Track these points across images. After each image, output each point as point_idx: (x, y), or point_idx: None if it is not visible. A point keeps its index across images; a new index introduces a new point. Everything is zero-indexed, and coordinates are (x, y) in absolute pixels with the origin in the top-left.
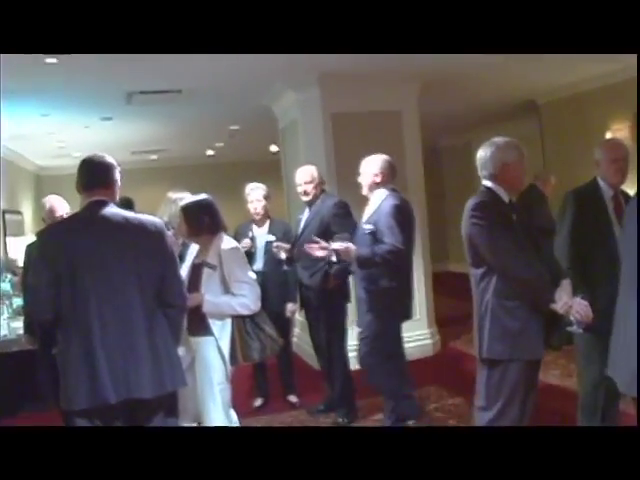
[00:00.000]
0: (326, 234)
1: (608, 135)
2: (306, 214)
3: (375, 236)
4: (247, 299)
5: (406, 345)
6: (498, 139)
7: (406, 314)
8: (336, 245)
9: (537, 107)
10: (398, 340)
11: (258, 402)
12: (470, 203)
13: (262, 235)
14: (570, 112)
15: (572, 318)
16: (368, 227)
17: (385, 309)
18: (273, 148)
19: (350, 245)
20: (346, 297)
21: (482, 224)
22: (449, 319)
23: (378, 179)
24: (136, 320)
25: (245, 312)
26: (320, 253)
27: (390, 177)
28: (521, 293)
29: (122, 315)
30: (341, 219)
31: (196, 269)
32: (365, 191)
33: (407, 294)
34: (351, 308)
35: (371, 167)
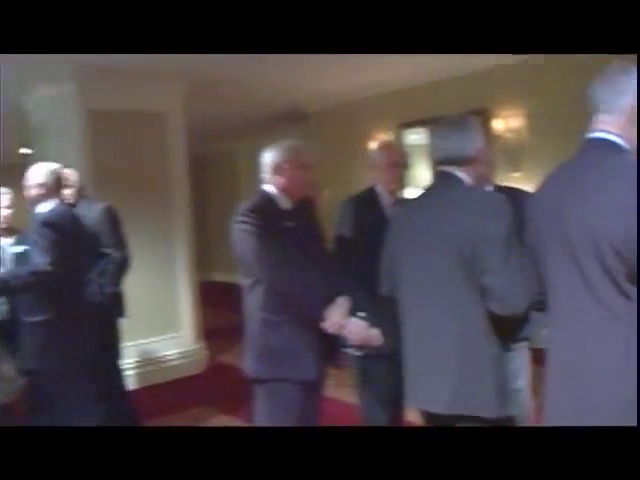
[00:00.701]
0: (94, 244)
1: (373, 145)
2: None
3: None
4: None
5: (172, 363)
6: (280, 142)
7: (78, 352)
8: None
9: (304, 116)
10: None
11: None
12: (240, 207)
13: (10, 247)
14: (336, 122)
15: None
16: (18, 248)
17: (44, 348)
18: (24, 150)
19: None
20: (120, 312)
21: (249, 230)
22: (217, 331)
23: (42, 191)
24: None
25: None
26: None
27: (56, 189)
28: (288, 308)
29: None
30: (112, 227)
31: None
32: (29, 205)
33: (71, 328)
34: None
35: (34, 178)
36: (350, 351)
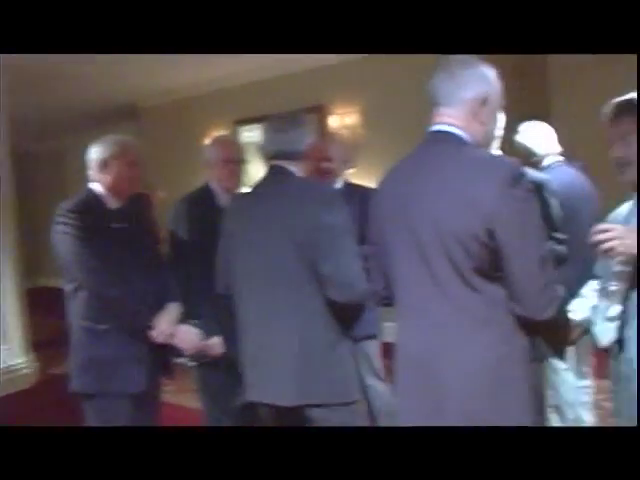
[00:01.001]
0: None
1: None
2: None
3: None
4: None
5: None
6: (106, 137)
7: None
8: None
9: (137, 111)
10: None
11: None
12: (60, 206)
13: None
14: (171, 118)
15: None
16: None
17: None
18: None
19: None
20: None
21: (68, 231)
22: (48, 341)
23: None
24: None
25: None
26: None
27: None
28: (112, 316)
29: None
30: None
31: None
32: None
33: None
34: None
35: None
36: (184, 361)
